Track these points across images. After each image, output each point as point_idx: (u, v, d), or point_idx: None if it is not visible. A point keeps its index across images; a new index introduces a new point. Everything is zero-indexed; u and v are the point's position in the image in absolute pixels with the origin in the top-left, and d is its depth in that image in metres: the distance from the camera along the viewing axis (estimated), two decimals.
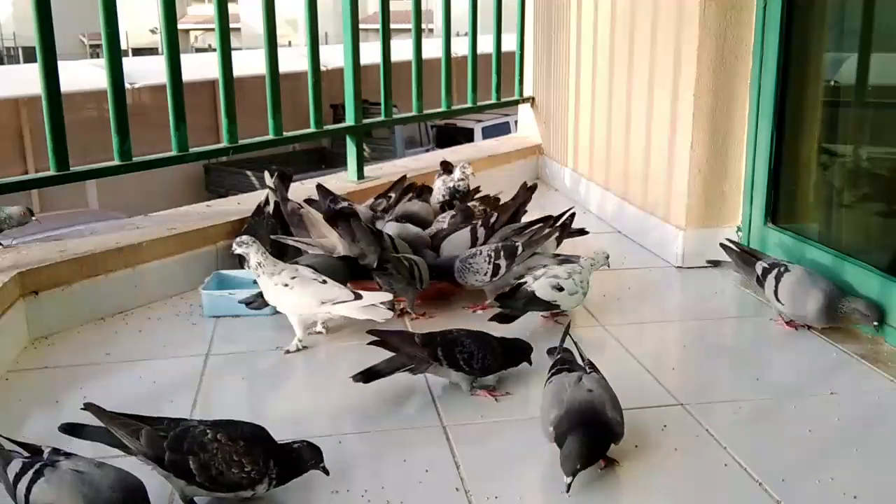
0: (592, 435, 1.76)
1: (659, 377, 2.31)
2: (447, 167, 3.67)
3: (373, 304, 2.46)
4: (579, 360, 2.06)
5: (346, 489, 1.78)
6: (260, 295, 2.57)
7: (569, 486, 1.70)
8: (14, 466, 1.59)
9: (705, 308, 2.91)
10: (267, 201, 3.19)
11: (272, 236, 2.97)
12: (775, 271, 2.66)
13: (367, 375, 2.12)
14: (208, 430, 1.68)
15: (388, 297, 2.54)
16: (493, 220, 3.05)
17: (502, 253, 2.76)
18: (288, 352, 2.48)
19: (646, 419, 2.06)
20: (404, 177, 3.65)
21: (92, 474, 1.56)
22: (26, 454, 1.64)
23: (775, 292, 2.63)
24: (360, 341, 2.57)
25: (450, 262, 2.83)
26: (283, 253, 2.92)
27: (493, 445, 2.00)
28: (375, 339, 2.19)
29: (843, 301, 2.50)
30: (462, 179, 3.52)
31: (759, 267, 2.72)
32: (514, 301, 2.59)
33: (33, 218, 2.93)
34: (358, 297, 2.45)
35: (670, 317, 2.86)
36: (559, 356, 2.07)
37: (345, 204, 3.16)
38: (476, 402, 2.19)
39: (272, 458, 1.69)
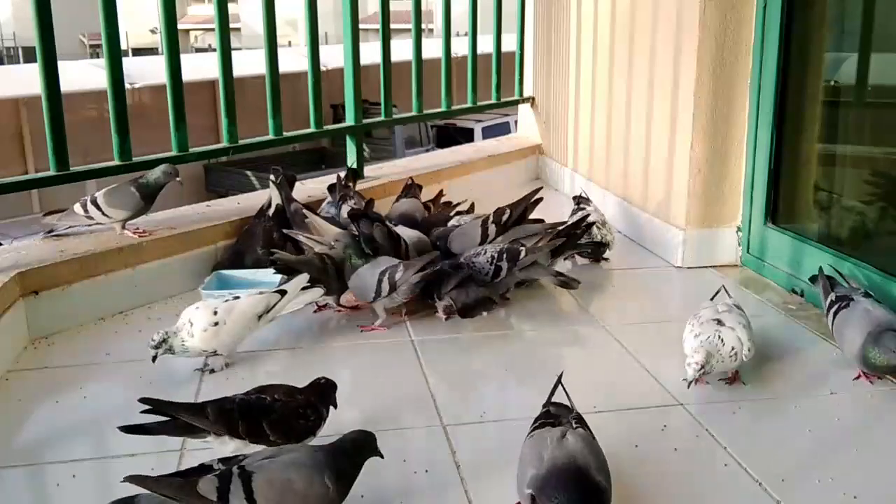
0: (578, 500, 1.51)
1: (659, 377, 2.31)
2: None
3: (305, 288, 2.52)
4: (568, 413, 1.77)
5: None
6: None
7: None
8: (209, 483, 1.49)
9: None
10: (269, 203, 3.18)
11: (285, 231, 2.98)
12: (837, 306, 2.28)
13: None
14: (265, 395, 1.83)
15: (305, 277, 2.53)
16: (504, 217, 3.01)
17: (505, 255, 2.75)
18: (213, 371, 2.37)
19: (646, 419, 2.07)
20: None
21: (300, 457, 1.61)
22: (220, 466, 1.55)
23: (832, 332, 2.32)
24: (357, 341, 2.59)
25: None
26: (284, 249, 2.93)
27: (493, 445, 2.00)
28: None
29: (878, 346, 2.11)
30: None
31: (828, 300, 2.35)
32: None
33: (177, 179, 2.94)
34: (283, 292, 2.46)
35: (670, 317, 2.85)
36: (545, 409, 1.79)
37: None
38: (477, 402, 2.19)
39: (321, 404, 1.87)
